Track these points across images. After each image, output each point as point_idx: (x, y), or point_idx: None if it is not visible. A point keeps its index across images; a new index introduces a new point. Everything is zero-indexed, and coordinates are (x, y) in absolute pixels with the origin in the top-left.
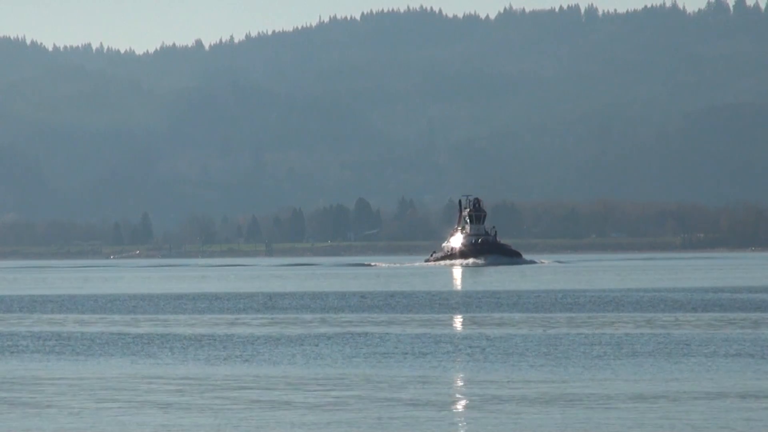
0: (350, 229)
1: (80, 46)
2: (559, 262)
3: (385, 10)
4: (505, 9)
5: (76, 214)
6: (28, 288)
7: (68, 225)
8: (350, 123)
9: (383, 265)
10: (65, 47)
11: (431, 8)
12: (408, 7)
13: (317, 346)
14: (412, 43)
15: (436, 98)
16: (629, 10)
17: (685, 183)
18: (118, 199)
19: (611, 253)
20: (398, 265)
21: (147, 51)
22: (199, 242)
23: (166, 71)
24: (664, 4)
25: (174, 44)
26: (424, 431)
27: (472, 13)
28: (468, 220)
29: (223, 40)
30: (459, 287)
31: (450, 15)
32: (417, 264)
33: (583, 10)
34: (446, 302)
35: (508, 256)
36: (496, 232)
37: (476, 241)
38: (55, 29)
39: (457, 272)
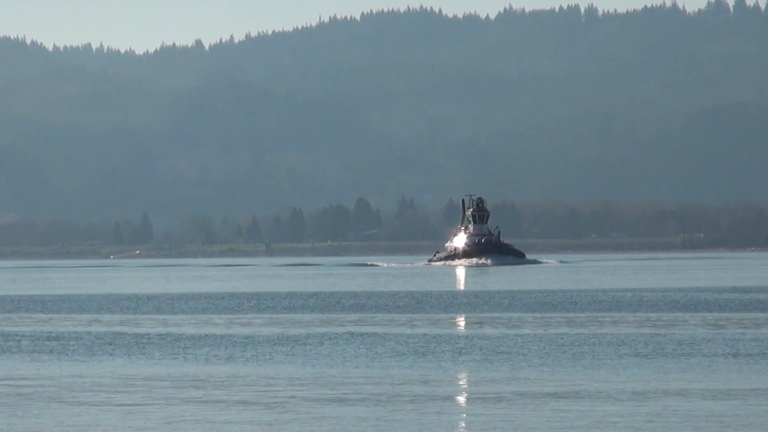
0: (350, 229)
1: (80, 46)
2: (563, 262)
3: (385, 10)
4: (505, 9)
5: (76, 214)
6: (28, 288)
7: (68, 225)
8: (350, 123)
9: (392, 264)
10: (65, 47)
11: (431, 8)
12: (408, 7)
13: (321, 345)
14: (412, 43)
15: (436, 98)
16: (629, 10)
17: (685, 183)
18: (118, 199)
19: (611, 253)
20: (402, 265)
21: (147, 51)
22: (199, 242)
23: (166, 71)
24: (664, 4)
25: (174, 44)
26: (425, 431)
27: (472, 13)
28: (471, 220)
29: (223, 40)
30: (473, 287)
31: (450, 15)
32: (420, 264)
33: (583, 10)
34: (455, 301)
35: (512, 256)
36: (499, 232)
37: (480, 241)
38: (55, 29)
39: (461, 272)
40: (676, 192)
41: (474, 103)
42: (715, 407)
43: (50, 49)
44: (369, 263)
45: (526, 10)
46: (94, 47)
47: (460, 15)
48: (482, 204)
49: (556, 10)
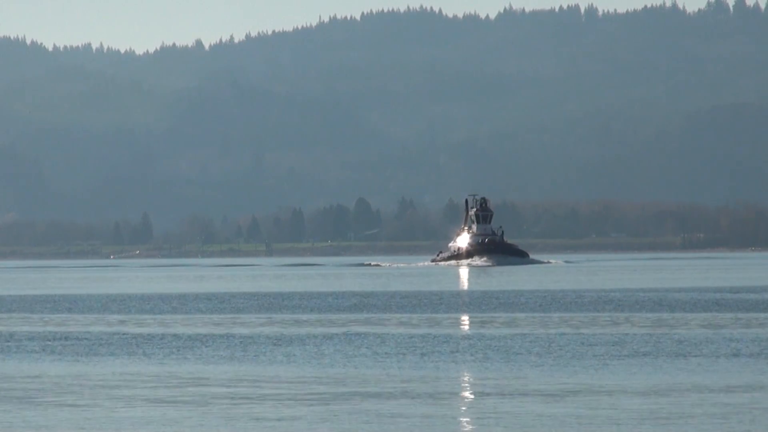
0: (350, 229)
1: (80, 46)
2: (569, 262)
3: (385, 10)
4: (505, 9)
5: (76, 214)
6: (28, 288)
7: (68, 225)
8: (350, 123)
9: (398, 264)
10: (65, 47)
11: (431, 8)
12: (408, 7)
13: (321, 345)
14: (412, 43)
15: (436, 98)
16: (629, 10)
17: (685, 183)
18: (118, 199)
19: (611, 253)
20: (404, 265)
21: (147, 51)
22: (199, 242)
23: (166, 71)
24: (664, 4)
25: (174, 44)
26: (424, 431)
27: (472, 13)
28: (475, 220)
29: (223, 40)
30: (482, 287)
31: (450, 15)
32: (423, 264)
33: (583, 10)
34: (460, 301)
35: (516, 256)
36: (503, 232)
37: (483, 240)
38: (55, 29)
39: (465, 272)
40: (675, 192)
41: (474, 103)
42: (717, 406)
43: (50, 49)
44: (372, 263)
45: (526, 10)
46: (94, 47)
47: (460, 15)
48: (486, 204)
49: (556, 10)
